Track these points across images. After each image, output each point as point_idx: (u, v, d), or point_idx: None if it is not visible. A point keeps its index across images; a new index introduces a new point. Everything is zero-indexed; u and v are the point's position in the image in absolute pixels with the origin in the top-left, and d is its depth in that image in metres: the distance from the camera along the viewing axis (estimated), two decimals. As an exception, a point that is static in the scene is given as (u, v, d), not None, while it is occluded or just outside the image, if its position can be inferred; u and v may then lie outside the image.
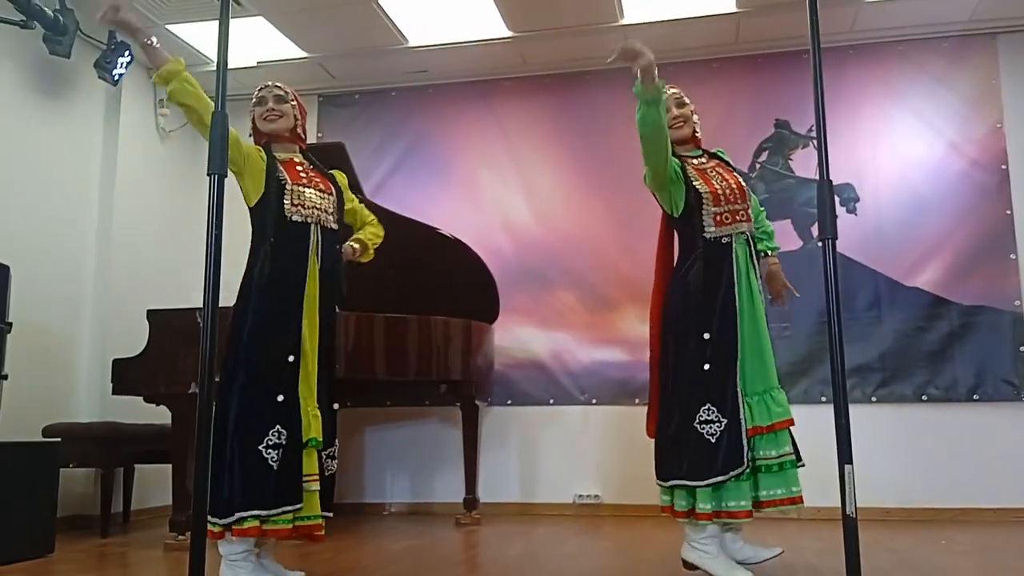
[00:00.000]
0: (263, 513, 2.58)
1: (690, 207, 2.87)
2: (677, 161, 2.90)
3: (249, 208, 2.82)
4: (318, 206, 2.82)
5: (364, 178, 4.85)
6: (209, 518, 2.50)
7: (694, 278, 2.84)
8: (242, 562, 2.64)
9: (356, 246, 3.01)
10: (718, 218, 2.84)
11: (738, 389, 2.76)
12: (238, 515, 2.56)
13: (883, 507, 4.52)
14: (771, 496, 2.74)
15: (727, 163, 3.05)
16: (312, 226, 2.80)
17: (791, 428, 2.83)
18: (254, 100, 2.92)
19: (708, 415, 2.75)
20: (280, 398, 2.66)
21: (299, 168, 2.88)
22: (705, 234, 2.84)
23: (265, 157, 2.83)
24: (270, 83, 2.95)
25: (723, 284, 2.82)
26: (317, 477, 2.71)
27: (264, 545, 2.77)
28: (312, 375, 2.76)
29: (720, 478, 2.69)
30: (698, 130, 3.05)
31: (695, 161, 2.97)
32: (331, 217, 2.87)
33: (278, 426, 2.64)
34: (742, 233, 2.88)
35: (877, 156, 5.00)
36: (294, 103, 2.94)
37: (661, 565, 3.17)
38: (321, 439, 2.72)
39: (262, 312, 2.71)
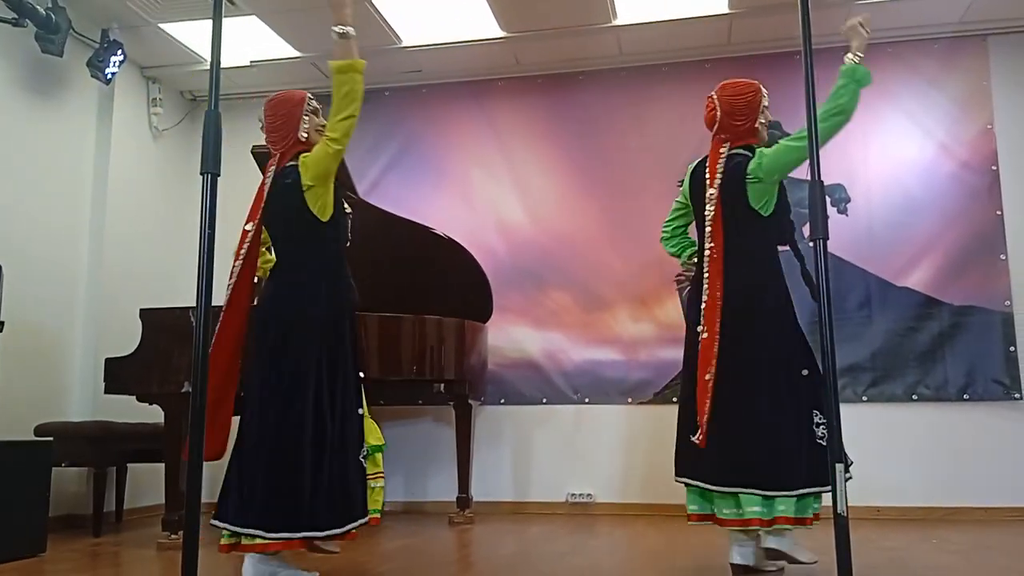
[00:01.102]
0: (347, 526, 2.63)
1: (787, 208, 2.97)
2: None
3: (320, 222, 2.72)
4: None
5: (358, 178, 4.85)
6: (268, 533, 2.48)
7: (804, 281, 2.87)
8: None
9: None
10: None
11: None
12: (328, 532, 2.56)
13: (874, 506, 4.54)
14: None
15: None
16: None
17: None
18: (310, 108, 2.82)
19: (819, 419, 2.72)
20: (361, 411, 2.74)
21: None
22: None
23: None
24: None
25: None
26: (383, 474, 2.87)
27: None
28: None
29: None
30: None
31: None
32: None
33: (364, 440, 2.73)
34: None
35: (868, 157, 5.02)
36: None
37: (654, 564, 3.18)
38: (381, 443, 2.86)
39: (351, 330, 2.77)
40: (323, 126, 2.77)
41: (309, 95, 2.85)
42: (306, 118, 2.79)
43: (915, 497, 4.60)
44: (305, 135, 2.78)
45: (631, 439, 5.01)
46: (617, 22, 4.90)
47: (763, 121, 2.97)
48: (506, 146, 5.50)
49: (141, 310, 3.82)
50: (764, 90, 3.00)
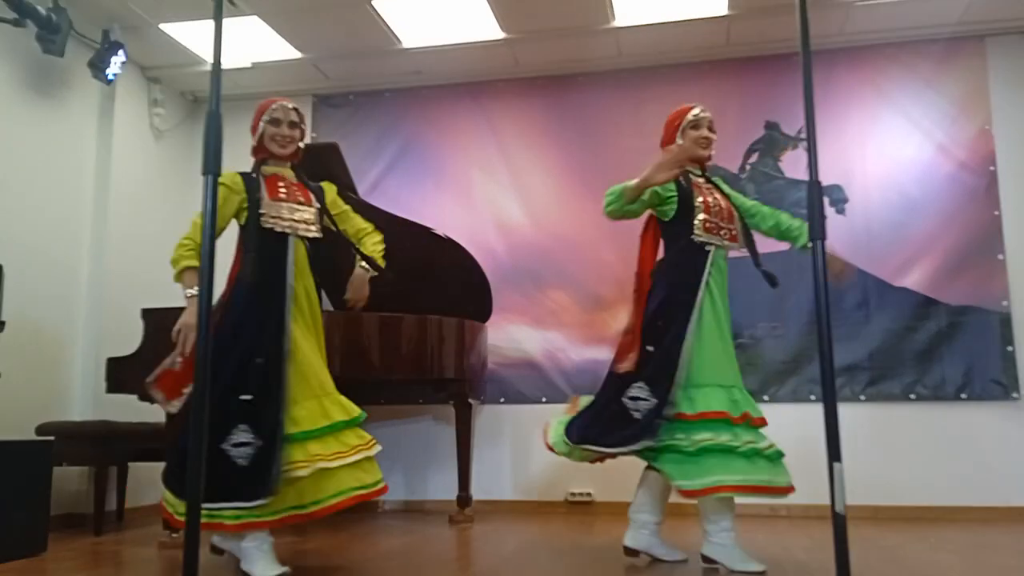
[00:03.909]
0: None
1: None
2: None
3: (240, 227, 2.97)
4: (295, 219, 2.95)
5: (358, 178, 4.87)
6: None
7: None
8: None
9: (365, 266, 3.13)
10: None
11: None
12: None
13: (872, 505, 4.56)
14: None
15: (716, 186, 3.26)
16: (290, 237, 2.93)
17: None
18: (267, 117, 2.98)
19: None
20: (247, 397, 2.75)
21: (280, 184, 2.99)
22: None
23: (243, 182, 2.95)
24: (287, 104, 3.01)
25: None
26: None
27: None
28: (305, 373, 2.87)
29: None
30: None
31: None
32: (311, 228, 3.00)
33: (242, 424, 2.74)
34: None
35: (866, 158, 5.04)
36: (302, 128, 3.06)
37: (653, 563, 3.19)
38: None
39: (245, 314, 2.87)
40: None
41: (274, 105, 3.01)
42: (262, 126, 3.01)
43: (913, 496, 4.62)
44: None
45: (630, 439, 5.01)
46: (616, 23, 4.92)
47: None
48: (506, 147, 5.51)
49: (143, 310, 3.83)
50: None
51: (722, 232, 3.09)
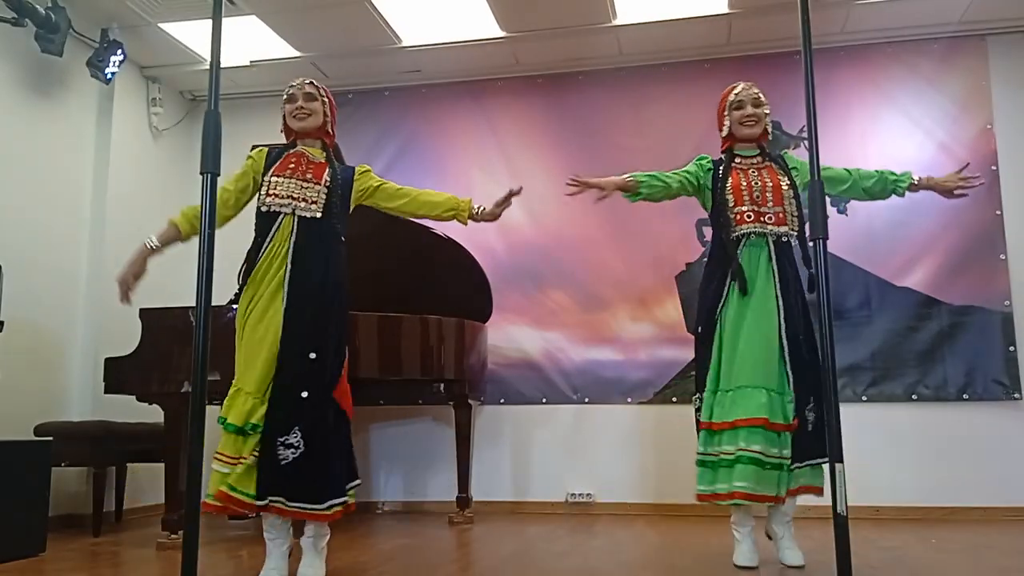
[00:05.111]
0: None
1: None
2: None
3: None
4: (294, 195, 2.81)
5: (357, 177, 4.84)
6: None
7: None
8: None
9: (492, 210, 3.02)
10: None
11: None
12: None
13: (873, 506, 4.55)
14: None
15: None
16: (282, 215, 2.80)
17: None
18: (285, 96, 2.94)
19: None
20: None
21: (292, 161, 2.88)
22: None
23: (265, 159, 2.90)
24: (301, 79, 2.95)
25: None
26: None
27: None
28: (259, 360, 2.72)
29: None
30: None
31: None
32: (311, 206, 2.82)
33: None
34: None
35: (867, 157, 5.01)
36: (324, 100, 2.96)
37: (653, 563, 3.18)
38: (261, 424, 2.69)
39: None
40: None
41: (290, 84, 2.97)
42: (282, 108, 2.97)
43: (914, 497, 4.60)
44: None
45: (631, 439, 5.01)
46: (617, 22, 4.90)
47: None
48: (505, 146, 5.50)
49: (141, 310, 3.81)
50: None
51: (765, 217, 2.97)
